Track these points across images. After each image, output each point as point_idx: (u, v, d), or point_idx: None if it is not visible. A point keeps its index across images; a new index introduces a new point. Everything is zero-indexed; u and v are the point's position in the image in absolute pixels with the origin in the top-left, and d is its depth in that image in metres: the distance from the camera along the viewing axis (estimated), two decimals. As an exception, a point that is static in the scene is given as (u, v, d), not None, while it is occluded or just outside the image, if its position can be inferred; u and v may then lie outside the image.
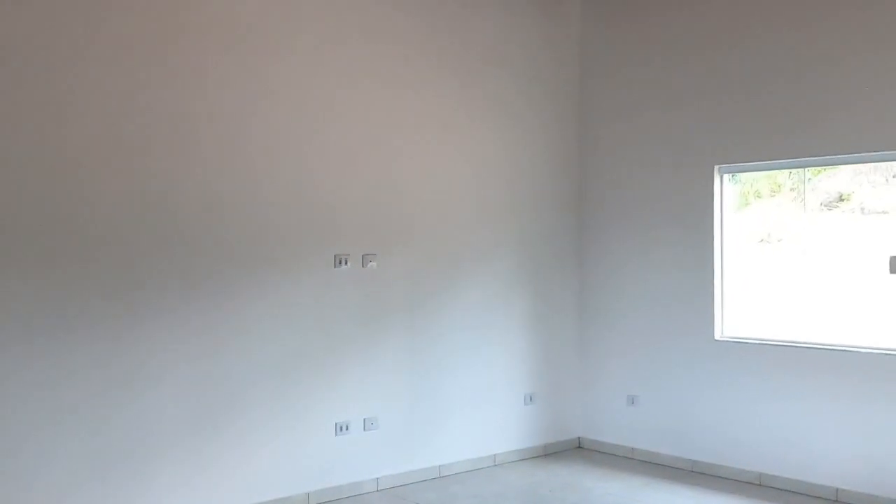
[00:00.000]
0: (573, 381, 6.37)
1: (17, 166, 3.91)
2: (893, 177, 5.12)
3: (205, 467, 4.53)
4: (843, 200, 5.37)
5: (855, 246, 5.22)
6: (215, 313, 4.57)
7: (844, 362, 4.98)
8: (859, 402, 4.90)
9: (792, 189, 5.53)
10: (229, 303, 4.62)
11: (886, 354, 4.84)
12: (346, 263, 5.09)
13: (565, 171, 6.34)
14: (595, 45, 6.36)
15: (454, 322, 5.65)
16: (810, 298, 5.34)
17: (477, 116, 5.80)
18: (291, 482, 4.87)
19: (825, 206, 5.43)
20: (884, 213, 5.17)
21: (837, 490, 4.99)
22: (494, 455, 5.87)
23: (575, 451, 6.29)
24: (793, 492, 5.15)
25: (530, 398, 6.09)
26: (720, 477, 5.50)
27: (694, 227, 5.69)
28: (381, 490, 5.23)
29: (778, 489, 5.21)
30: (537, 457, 6.09)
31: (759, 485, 5.32)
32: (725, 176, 5.64)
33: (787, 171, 5.48)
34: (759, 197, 5.76)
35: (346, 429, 5.11)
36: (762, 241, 5.73)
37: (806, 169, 5.36)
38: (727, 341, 5.55)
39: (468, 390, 5.72)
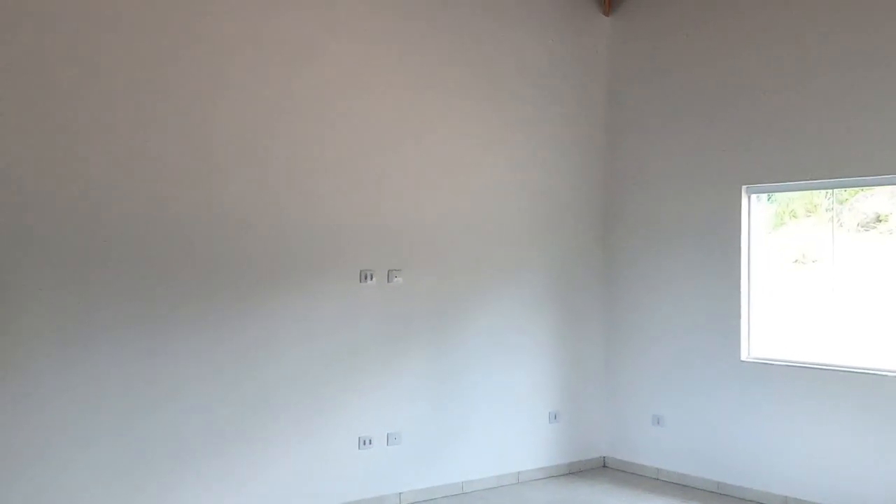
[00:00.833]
0: (599, 399, 6.31)
1: (52, 185, 3.99)
2: (926, 198, 5.02)
3: (228, 479, 4.55)
4: (880, 221, 5.27)
5: (892, 268, 5.12)
6: (241, 327, 4.60)
7: (877, 385, 4.87)
8: (892, 427, 4.79)
9: (828, 209, 5.44)
10: (255, 317, 4.65)
11: (917, 378, 4.74)
12: (371, 279, 5.10)
13: (591, 190, 6.30)
14: (622, 62, 6.33)
15: (478, 338, 5.63)
16: (842, 320, 5.24)
17: (504, 133, 5.80)
18: (314, 495, 4.87)
19: (862, 226, 5.34)
20: (918, 235, 5.07)
21: (866, 516, 4.89)
22: (518, 472, 5.82)
23: (600, 470, 6.22)
24: (820, 516, 5.05)
25: (555, 416, 6.04)
26: (746, 500, 5.39)
27: (721, 246, 5.62)
28: (404, 505, 5.24)
29: (805, 513, 5.13)
30: (562, 475, 6.03)
31: (786, 509, 5.23)
32: (761, 196, 5.56)
33: (823, 191, 5.38)
34: (794, 217, 5.67)
35: (370, 443, 5.11)
36: (797, 261, 5.63)
37: (841, 189, 5.27)
38: (754, 362, 5.46)
39: (492, 406, 5.69)
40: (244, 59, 4.63)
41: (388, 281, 5.18)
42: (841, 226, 5.35)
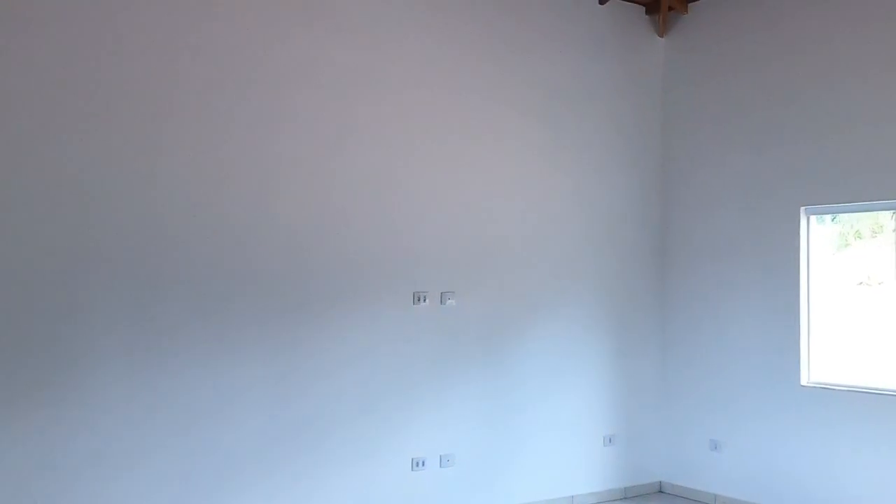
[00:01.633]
0: (654, 423, 6.19)
1: (118, 204, 4.09)
2: None
3: (280, 497, 4.57)
4: (949, 243, 5.10)
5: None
6: (297, 347, 4.64)
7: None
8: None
9: (894, 230, 5.27)
10: (310, 337, 4.69)
11: None
12: (424, 301, 5.10)
13: (648, 210, 6.22)
14: (677, 82, 6.25)
15: (532, 360, 5.59)
16: (904, 345, 5.07)
17: (560, 154, 5.77)
18: (366, 516, 4.88)
19: (930, 248, 5.17)
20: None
21: (933, 548, 4.69)
22: (573, 496, 5.74)
23: (656, 495, 6.10)
24: (884, 548, 4.87)
25: (610, 439, 5.95)
26: (807, 528, 5.25)
27: (780, 268, 5.49)
28: (456, 527, 5.20)
29: (868, 544, 4.94)
30: (617, 500, 5.93)
31: (849, 538, 5.05)
32: (824, 217, 5.43)
33: (889, 212, 5.22)
34: (859, 237, 5.51)
35: (423, 465, 5.09)
36: (861, 283, 5.47)
37: (902, 210, 5.12)
38: (814, 387, 5.30)
39: (545, 429, 5.63)
40: (304, 86, 4.69)
41: (441, 303, 5.17)
42: (907, 247, 5.18)
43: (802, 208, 5.39)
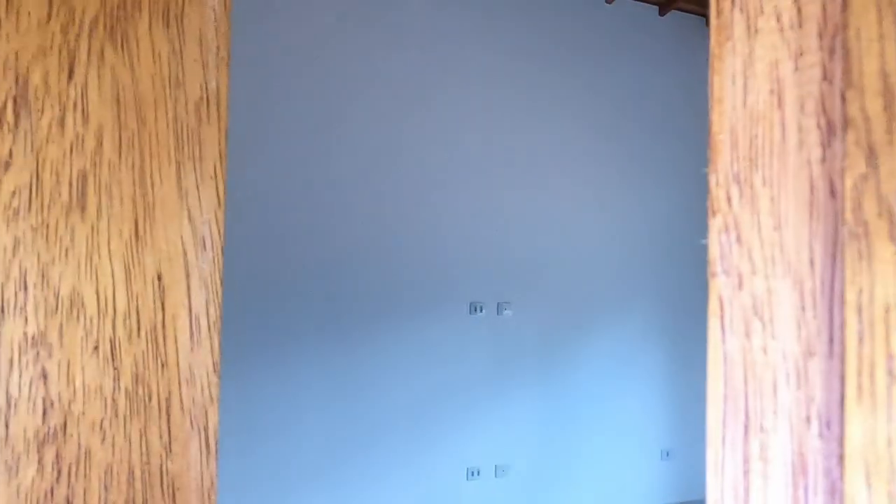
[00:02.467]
0: (713, 437, 6.08)
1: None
2: None
3: None
4: None
5: None
6: (352, 356, 4.67)
7: None
8: None
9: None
10: (366, 346, 4.72)
11: None
12: (481, 311, 5.10)
13: (703, 224, 6.13)
14: (741, 95, 6.16)
15: (587, 371, 5.54)
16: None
17: (622, 170, 5.72)
18: (422, 525, 4.88)
19: None
20: None
21: None
22: (628, 510, 5.67)
23: (713, 510, 5.98)
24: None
25: (667, 453, 5.86)
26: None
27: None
28: (511, 538, 5.16)
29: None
30: (673, 514, 5.85)
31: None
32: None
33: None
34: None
35: (478, 474, 5.08)
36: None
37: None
38: None
39: (602, 441, 5.57)
40: (362, 98, 4.73)
41: (497, 313, 5.16)
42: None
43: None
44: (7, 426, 0.78)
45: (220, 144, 0.94)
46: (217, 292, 0.94)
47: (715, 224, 0.43)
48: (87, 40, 0.84)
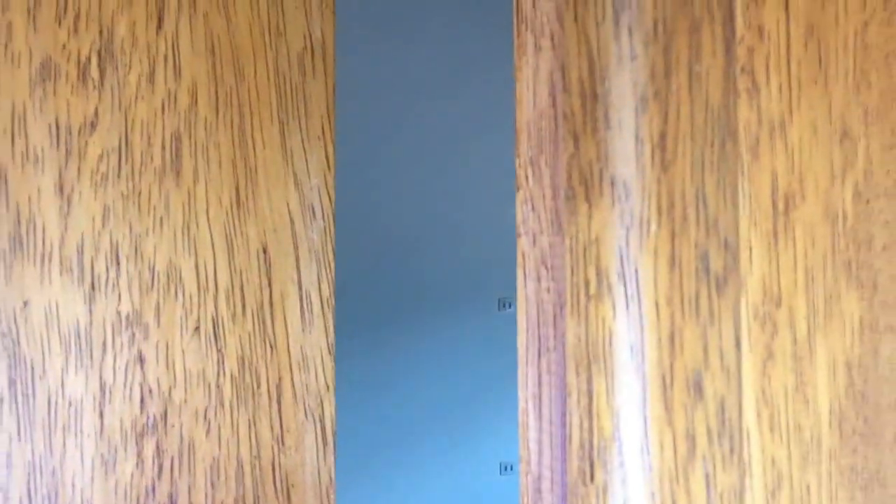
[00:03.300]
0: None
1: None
2: None
3: (367, 500, 4.56)
4: None
5: None
6: (382, 351, 4.59)
7: None
8: None
9: None
10: (396, 341, 4.63)
11: None
12: (509, 307, 4.94)
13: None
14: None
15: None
16: None
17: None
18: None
19: None
20: None
21: None
22: None
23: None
24: None
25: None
26: None
27: None
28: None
29: None
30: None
31: None
32: None
33: None
34: None
35: (511, 469, 4.94)
36: None
37: None
38: None
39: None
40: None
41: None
42: None
43: None
44: (102, 416, 0.70)
45: (327, 100, 0.84)
46: (329, 266, 0.84)
47: (518, 197, 0.52)
48: (176, -14, 0.75)
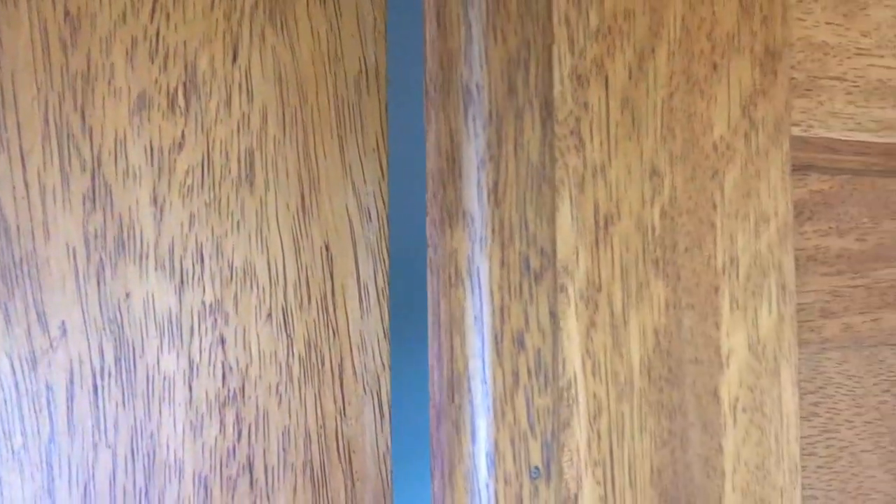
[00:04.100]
0: None
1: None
2: None
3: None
4: None
5: None
6: None
7: None
8: None
9: None
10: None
11: None
12: None
13: None
14: None
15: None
16: None
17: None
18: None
19: None
20: None
21: None
22: None
23: None
24: None
25: None
26: None
27: None
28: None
29: None
30: None
31: None
32: None
33: None
34: None
35: None
36: None
37: None
38: None
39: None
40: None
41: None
42: None
43: None
44: (190, 389, 0.83)
45: (380, 117, 0.95)
46: (384, 261, 0.95)
47: (427, 219, 0.81)
48: (248, 24, 0.88)
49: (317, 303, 0.90)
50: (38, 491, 0.75)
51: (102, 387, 0.80)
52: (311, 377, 0.89)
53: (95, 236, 0.80)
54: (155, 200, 0.83)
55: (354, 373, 0.91)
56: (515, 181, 0.66)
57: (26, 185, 0.78)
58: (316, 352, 0.89)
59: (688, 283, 0.68)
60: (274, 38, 0.89)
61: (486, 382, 0.66)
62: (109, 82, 0.81)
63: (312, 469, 0.88)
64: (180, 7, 0.84)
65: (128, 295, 0.81)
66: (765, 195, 0.69)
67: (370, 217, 0.93)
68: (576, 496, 0.64)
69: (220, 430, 0.84)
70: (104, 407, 0.79)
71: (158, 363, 0.82)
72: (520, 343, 0.66)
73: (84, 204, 0.80)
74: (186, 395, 0.83)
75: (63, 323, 0.78)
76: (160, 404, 0.82)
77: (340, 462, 0.89)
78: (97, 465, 0.78)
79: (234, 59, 0.87)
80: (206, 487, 0.83)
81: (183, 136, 0.84)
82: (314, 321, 0.89)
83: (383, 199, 0.95)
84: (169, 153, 0.84)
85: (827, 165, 0.76)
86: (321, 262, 0.90)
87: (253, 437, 0.86)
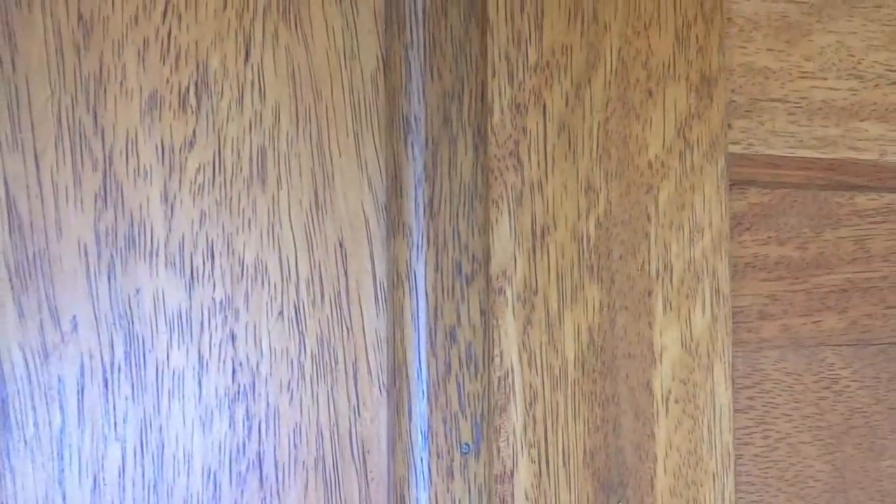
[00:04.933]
0: None
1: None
2: None
3: None
4: None
5: None
6: None
7: None
8: None
9: None
10: None
11: None
12: None
13: None
14: None
15: None
16: None
17: None
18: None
19: None
20: None
21: None
22: None
23: None
24: None
25: None
26: None
27: None
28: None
29: None
30: None
31: None
32: None
33: None
34: None
35: None
36: None
37: None
38: None
39: None
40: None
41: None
42: None
43: None
44: (200, 384, 0.84)
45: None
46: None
47: None
48: (261, 23, 0.88)
49: (330, 300, 0.89)
50: (48, 481, 0.77)
51: (112, 380, 0.81)
52: (323, 375, 0.88)
53: (107, 234, 0.82)
54: (165, 198, 0.84)
55: (369, 371, 0.89)
56: (449, 198, 0.75)
57: (40, 183, 0.80)
58: (329, 350, 0.88)
59: (622, 287, 0.74)
60: (287, 36, 0.89)
61: (421, 370, 0.76)
62: (121, 83, 0.83)
63: (325, 467, 0.87)
64: (192, 8, 0.85)
65: (138, 291, 0.82)
66: (699, 208, 0.75)
67: (387, 213, 0.92)
68: (511, 472, 0.73)
69: (230, 426, 0.84)
70: (114, 400, 0.81)
71: (168, 358, 0.83)
72: (452, 337, 0.74)
73: (96, 202, 0.82)
74: (196, 391, 0.83)
75: (74, 318, 0.80)
76: (169, 399, 0.83)
77: (354, 461, 0.88)
78: (107, 457, 0.80)
79: (247, 57, 0.87)
80: (215, 482, 0.83)
81: (194, 134, 0.85)
82: (327, 318, 0.89)
83: (400, 196, 0.93)
84: (180, 152, 0.85)
85: (769, 180, 0.83)
86: (335, 259, 0.89)
87: (263, 434, 0.85)
